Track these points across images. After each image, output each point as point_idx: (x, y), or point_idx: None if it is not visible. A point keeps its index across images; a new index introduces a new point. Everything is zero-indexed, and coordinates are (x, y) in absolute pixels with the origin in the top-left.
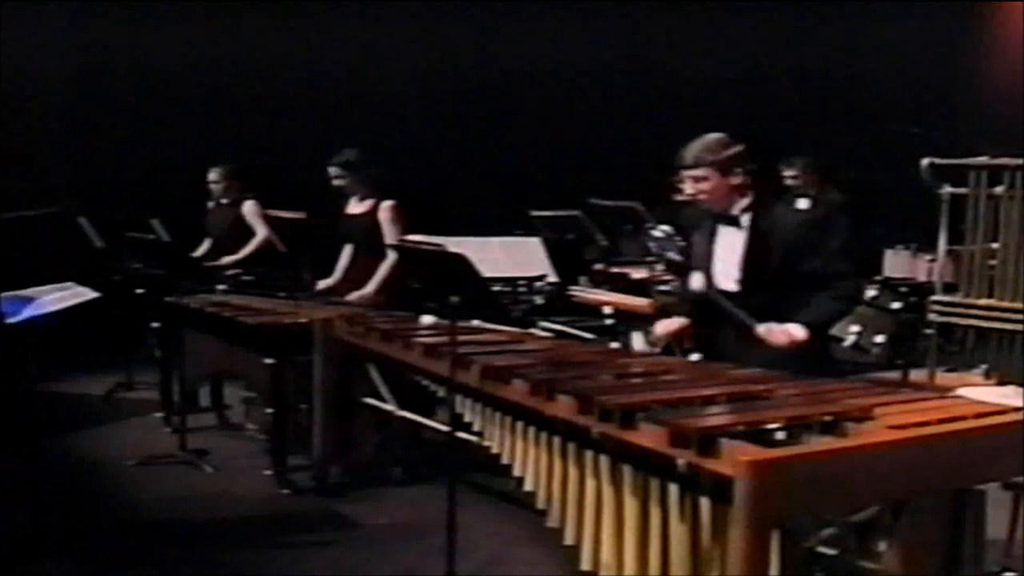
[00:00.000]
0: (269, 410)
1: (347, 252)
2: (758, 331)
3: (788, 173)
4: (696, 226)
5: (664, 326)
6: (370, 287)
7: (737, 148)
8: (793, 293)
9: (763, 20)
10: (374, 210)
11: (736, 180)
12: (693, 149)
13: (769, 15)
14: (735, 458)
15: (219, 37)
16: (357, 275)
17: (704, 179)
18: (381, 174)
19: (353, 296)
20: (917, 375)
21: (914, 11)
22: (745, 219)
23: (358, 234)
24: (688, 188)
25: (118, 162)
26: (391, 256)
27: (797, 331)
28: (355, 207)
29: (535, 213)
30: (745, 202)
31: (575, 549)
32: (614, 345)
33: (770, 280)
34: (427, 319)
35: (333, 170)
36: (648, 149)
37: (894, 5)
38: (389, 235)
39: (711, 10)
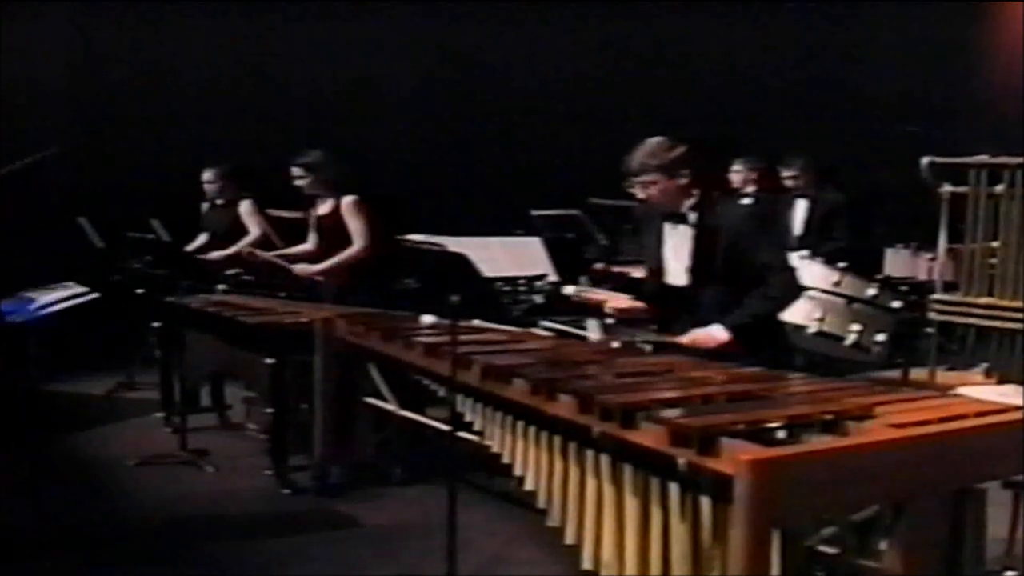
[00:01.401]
0: (269, 410)
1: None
2: (682, 341)
3: (787, 173)
4: (646, 227)
5: (617, 303)
6: (316, 267)
7: (680, 150)
8: (742, 287)
9: (764, 20)
10: (337, 208)
11: (683, 180)
12: (638, 156)
13: (770, 16)
14: (735, 457)
15: (217, 38)
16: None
17: (652, 183)
18: (344, 174)
19: (297, 268)
20: (917, 374)
21: (914, 11)
22: (692, 216)
23: (327, 234)
24: (639, 193)
25: (117, 162)
26: (354, 247)
27: (720, 333)
28: (321, 208)
29: (535, 212)
30: (692, 200)
31: (576, 549)
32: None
33: (718, 275)
34: (428, 319)
35: (295, 171)
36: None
37: (895, 5)
38: (353, 229)
39: (713, 11)
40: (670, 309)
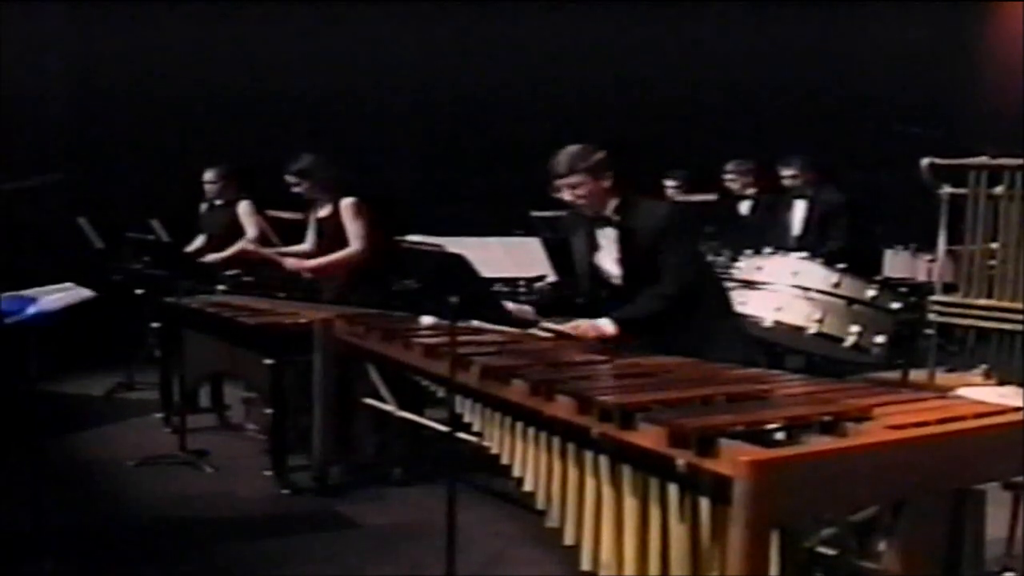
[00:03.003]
0: (269, 410)
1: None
2: (566, 330)
3: (786, 173)
4: (575, 232)
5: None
6: (308, 263)
7: (602, 153)
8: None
9: (766, 21)
10: (337, 210)
11: (607, 182)
12: (564, 158)
13: (772, 16)
14: (734, 458)
15: (217, 38)
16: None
17: (579, 185)
18: (340, 177)
19: (287, 262)
20: (917, 375)
21: (915, 11)
22: (617, 218)
23: (329, 236)
24: (566, 196)
25: (117, 162)
26: (352, 248)
27: (606, 326)
28: (321, 211)
29: (535, 213)
30: (615, 202)
31: (575, 549)
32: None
33: (645, 273)
34: (427, 319)
35: (290, 178)
36: (648, 149)
37: (895, 5)
38: (351, 230)
39: (716, 11)
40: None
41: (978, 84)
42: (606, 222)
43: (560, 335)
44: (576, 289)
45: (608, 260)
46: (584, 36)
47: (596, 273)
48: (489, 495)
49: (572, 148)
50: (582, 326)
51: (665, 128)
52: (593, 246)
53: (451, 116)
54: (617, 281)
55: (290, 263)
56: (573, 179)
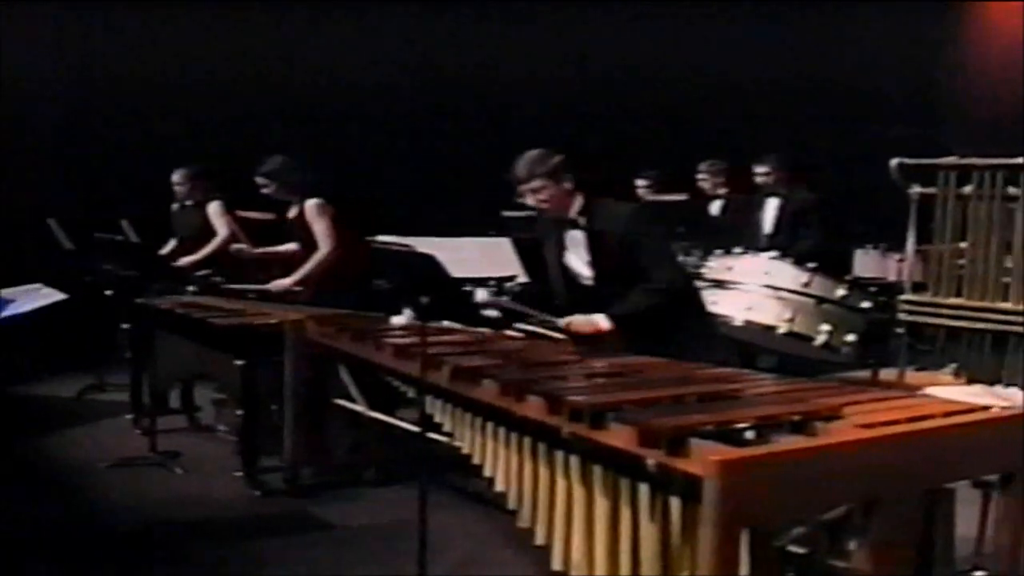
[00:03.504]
0: (240, 412)
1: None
2: (561, 324)
3: (759, 171)
4: (547, 235)
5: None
6: (289, 279)
7: (559, 157)
8: (640, 283)
9: (739, 20)
10: (302, 212)
11: (568, 185)
12: (524, 164)
13: (746, 14)
14: (704, 458)
15: (189, 38)
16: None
17: (541, 189)
18: (308, 178)
19: (273, 285)
20: (887, 374)
21: (889, 10)
22: (583, 220)
23: (299, 237)
24: (529, 201)
25: (89, 164)
26: (320, 252)
27: (602, 321)
28: (292, 211)
29: (507, 213)
30: (579, 205)
31: (546, 549)
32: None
33: (616, 272)
34: (398, 319)
35: (259, 179)
36: (623, 148)
37: (870, 4)
38: (318, 232)
39: (690, 10)
40: (580, 311)
41: (951, 85)
42: (572, 224)
43: (555, 328)
44: (549, 291)
45: (578, 262)
46: (557, 37)
47: (568, 276)
48: (462, 496)
49: (531, 153)
50: (578, 321)
51: (638, 128)
52: (562, 248)
53: (428, 116)
54: (588, 282)
55: (275, 285)
56: (534, 184)
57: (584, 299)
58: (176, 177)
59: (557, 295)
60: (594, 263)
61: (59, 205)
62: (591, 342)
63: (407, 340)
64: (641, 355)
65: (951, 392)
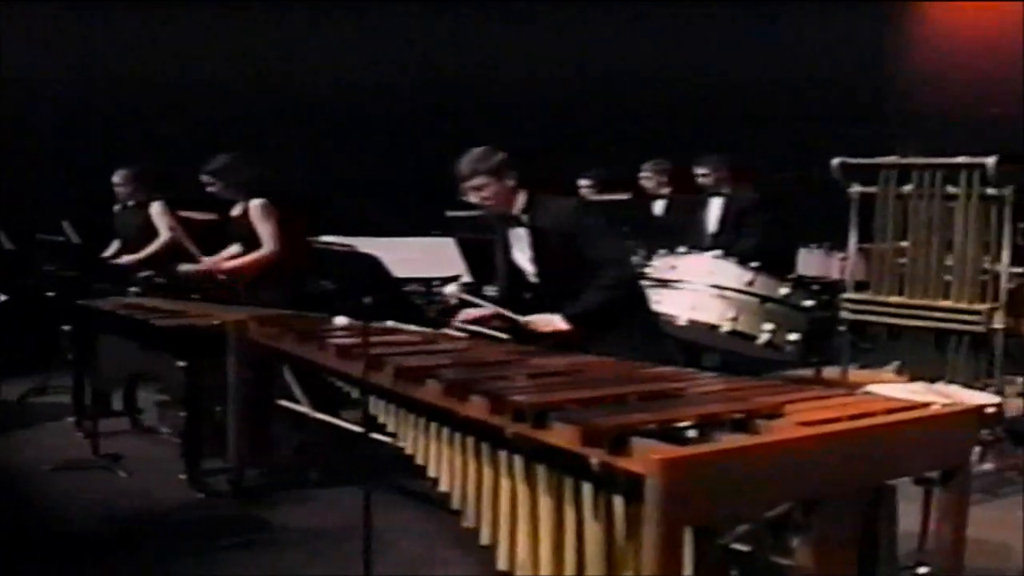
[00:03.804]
0: (183, 413)
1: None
2: (521, 322)
3: (700, 171)
4: (495, 233)
5: (466, 314)
6: (224, 265)
7: (502, 154)
8: (585, 279)
9: (679, 19)
10: (246, 211)
11: (510, 182)
12: (466, 162)
13: (688, 14)
14: (646, 457)
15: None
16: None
17: (484, 186)
18: (255, 177)
19: (206, 261)
20: (831, 372)
21: (829, 11)
22: (525, 218)
23: (241, 237)
24: (472, 198)
25: (29, 165)
26: (264, 249)
27: (559, 322)
28: (236, 210)
29: (451, 213)
30: (522, 202)
31: (492, 549)
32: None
33: (561, 269)
34: (341, 320)
35: (204, 178)
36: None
37: (809, 5)
38: (262, 231)
39: (629, 10)
40: (527, 308)
41: (892, 84)
42: (516, 222)
43: (514, 324)
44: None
45: (522, 258)
46: (503, 35)
47: (516, 273)
48: (408, 496)
49: (473, 151)
50: (537, 320)
51: (582, 128)
52: (507, 246)
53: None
54: (533, 279)
55: (206, 261)
56: (476, 181)
57: (531, 296)
58: (117, 178)
59: (502, 292)
60: (537, 260)
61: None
62: (549, 341)
63: (350, 340)
64: (588, 353)
65: (893, 390)
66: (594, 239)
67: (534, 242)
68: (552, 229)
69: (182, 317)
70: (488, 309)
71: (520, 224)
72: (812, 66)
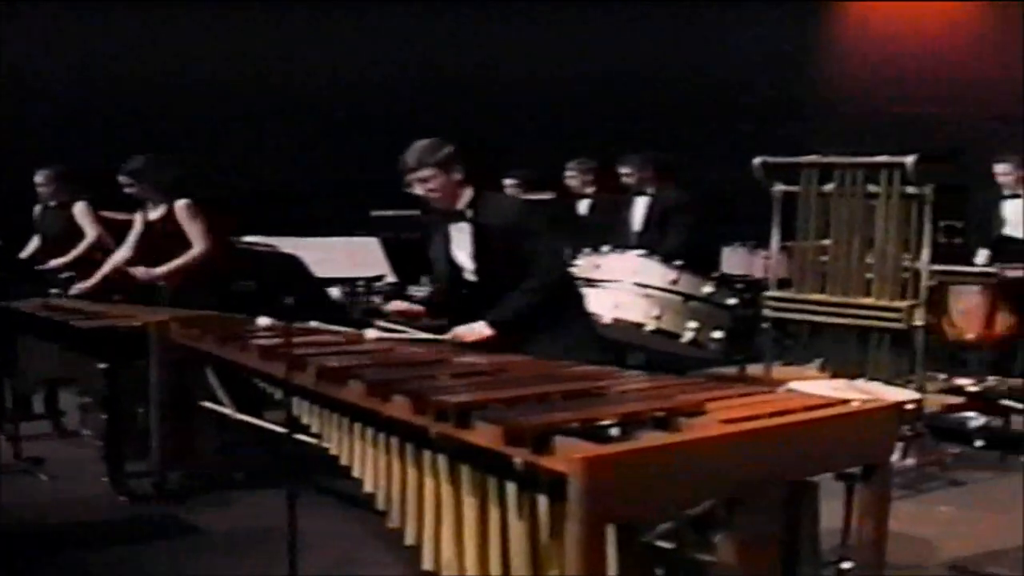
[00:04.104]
0: (104, 416)
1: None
2: (447, 337)
3: (624, 171)
4: (433, 230)
5: (396, 305)
6: (161, 269)
7: (450, 147)
8: (523, 279)
9: (610, 18)
10: (171, 212)
11: (457, 176)
12: (413, 153)
13: (616, 13)
14: (569, 455)
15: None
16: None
17: (430, 179)
18: (175, 178)
19: (140, 272)
20: (755, 369)
21: (759, 10)
22: (470, 213)
23: (160, 239)
24: (418, 190)
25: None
26: (195, 249)
27: (483, 329)
28: (152, 213)
29: (375, 213)
30: (468, 197)
31: (417, 549)
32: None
33: (502, 269)
34: (264, 320)
35: (123, 179)
36: (489, 147)
37: (736, 4)
38: (191, 232)
39: (551, 8)
40: (464, 305)
41: (817, 83)
42: (459, 216)
43: (438, 341)
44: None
45: (462, 254)
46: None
47: (455, 271)
48: (333, 497)
49: (422, 142)
50: (461, 331)
51: (506, 127)
52: (448, 242)
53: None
54: (471, 276)
55: (140, 273)
56: (423, 173)
57: (469, 294)
58: (39, 178)
59: (440, 291)
60: (478, 256)
61: None
62: (477, 348)
63: (273, 341)
64: (518, 352)
65: (815, 386)
66: (533, 240)
67: (476, 238)
68: (495, 226)
69: (103, 318)
70: (417, 308)
71: (464, 219)
72: (735, 66)
